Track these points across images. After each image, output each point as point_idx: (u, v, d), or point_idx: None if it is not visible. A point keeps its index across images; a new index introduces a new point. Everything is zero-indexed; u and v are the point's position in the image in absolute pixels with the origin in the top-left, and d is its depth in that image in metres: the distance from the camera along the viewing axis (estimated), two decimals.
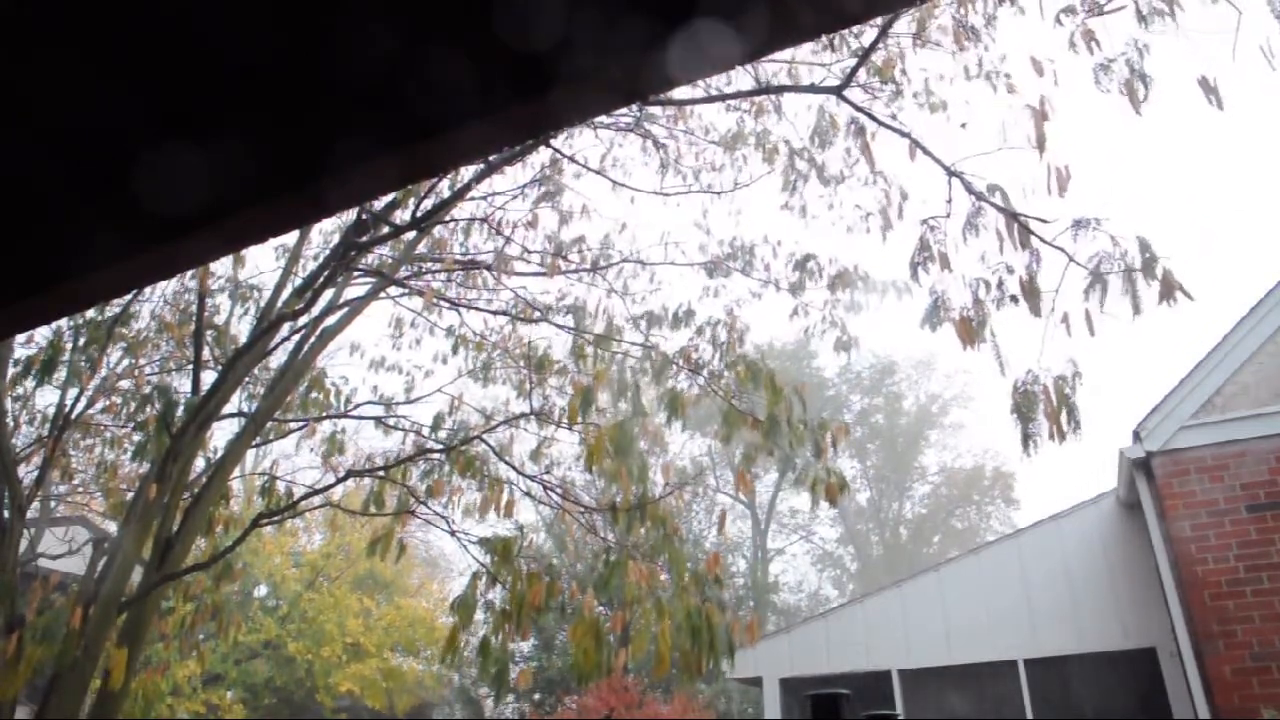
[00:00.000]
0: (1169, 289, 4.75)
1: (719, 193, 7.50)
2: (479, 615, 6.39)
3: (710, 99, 6.39)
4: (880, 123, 5.98)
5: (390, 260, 7.47)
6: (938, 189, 5.53)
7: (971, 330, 5.22)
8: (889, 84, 6.16)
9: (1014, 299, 5.16)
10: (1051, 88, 5.31)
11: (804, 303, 7.29)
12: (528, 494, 6.86)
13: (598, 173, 7.17)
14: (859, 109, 6.03)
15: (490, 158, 6.00)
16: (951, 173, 5.48)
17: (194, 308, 6.96)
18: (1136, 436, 8.86)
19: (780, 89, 6.26)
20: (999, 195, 5.28)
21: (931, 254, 5.45)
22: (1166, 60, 5.16)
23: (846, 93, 5.90)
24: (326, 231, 7.47)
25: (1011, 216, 5.23)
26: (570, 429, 6.81)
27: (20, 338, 6.40)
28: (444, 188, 6.39)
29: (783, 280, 7.31)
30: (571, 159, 7.17)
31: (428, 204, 6.29)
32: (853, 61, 5.79)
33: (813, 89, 6.06)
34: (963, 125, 6.16)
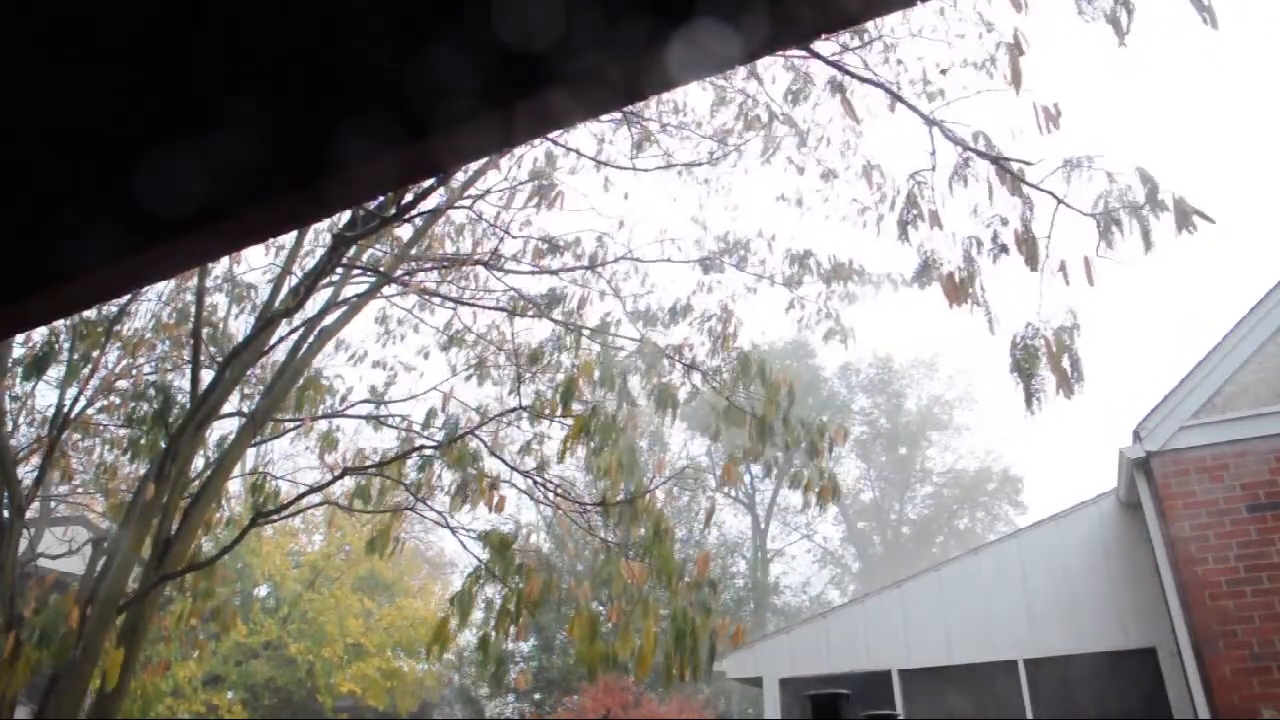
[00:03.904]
0: (1185, 217, 4.36)
1: (700, 164, 7.47)
2: (479, 615, 6.39)
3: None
4: (853, 75, 5.80)
5: (388, 256, 7.47)
6: (921, 143, 5.35)
7: (958, 289, 5.05)
8: (862, 33, 5.98)
9: (1004, 249, 4.96)
10: (1035, 25, 5.08)
11: (799, 297, 7.28)
12: (526, 493, 6.86)
13: (587, 157, 7.15)
14: (830, 62, 5.81)
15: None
16: (931, 122, 5.30)
17: (191, 307, 6.96)
18: (1136, 436, 8.86)
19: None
20: (982, 141, 5.07)
21: (920, 211, 5.31)
22: None
23: (817, 46, 5.65)
24: (320, 231, 7.48)
25: (996, 161, 5.05)
26: (554, 421, 6.80)
27: (19, 338, 6.40)
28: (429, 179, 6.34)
29: (778, 275, 7.29)
30: (565, 146, 7.16)
31: (417, 195, 6.25)
32: None
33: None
34: (942, 71, 5.97)
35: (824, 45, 5.70)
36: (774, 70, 6.72)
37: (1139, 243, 4.53)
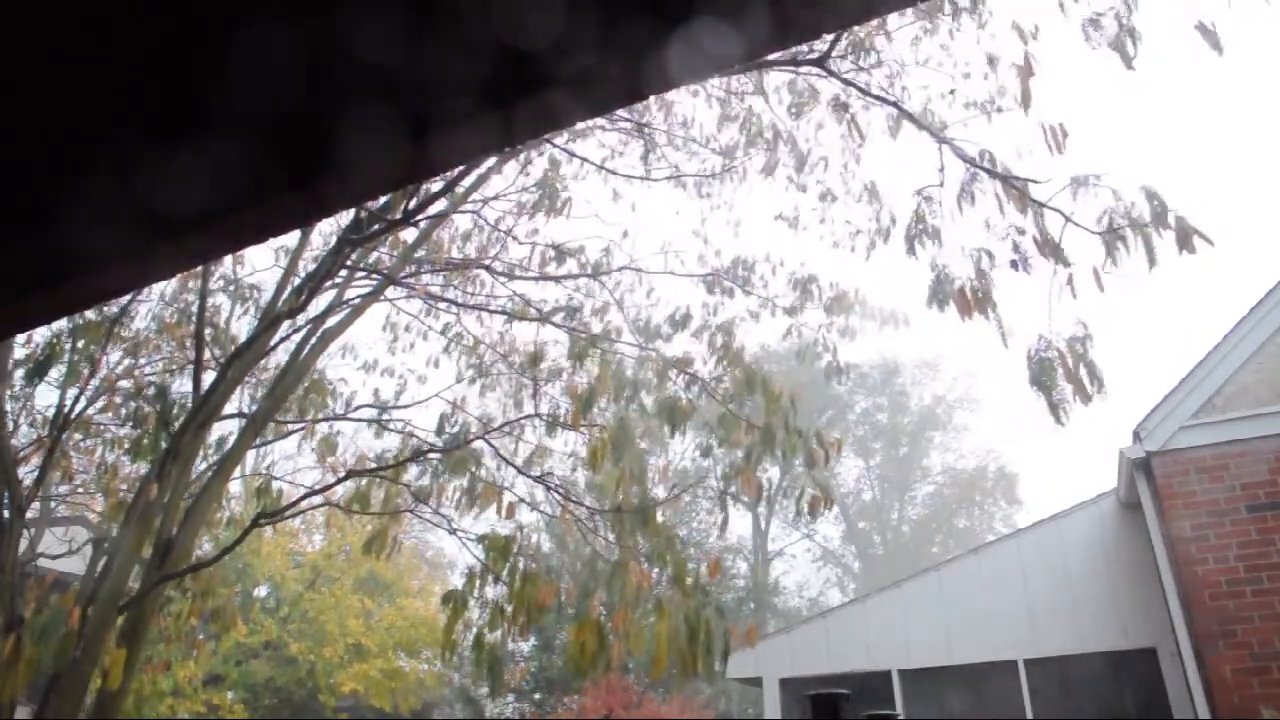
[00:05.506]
0: (1185, 237, 4.47)
1: (709, 176, 7.53)
2: (478, 614, 6.40)
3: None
4: (866, 93, 5.85)
5: (392, 259, 7.47)
6: (921, 159, 5.41)
7: (970, 302, 5.09)
8: (872, 51, 6.00)
9: (1018, 264, 5.01)
10: (1042, 48, 5.14)
11: (799, 324, 7.32)
12: (522, 499, 6.89)
13: (592, 164, 7.17)
14: (844, 80, 5.86)
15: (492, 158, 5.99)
16: (941, 140, 5.36)
17: (193, 308, 6.96)
18: (1136, 436, 8.85)
19: (762, 64, 6.04)
20: (989, 159, 5.13)
21: (926, 227, 5.35)
22: (1162, 7, 4.87)
23: (830, 64, 5.71)
24: (326, 233, 7.48)
25: (1006, 180, 5.12)
26: (574, 430, 6.83)
27: (20, 338, 6.40)
28: (436, 182, 6.35)
29: (780, 299, 7.34)
30: (570, 152, 7.17)
31: (424, 200, 6.26)
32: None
33: (795, 62, 5.88)
34: (951, 91, 6.03)
35: (832, 62, 5.74)
36: (779, 84, 6.76)
37: (1143, 259, 4.61)
